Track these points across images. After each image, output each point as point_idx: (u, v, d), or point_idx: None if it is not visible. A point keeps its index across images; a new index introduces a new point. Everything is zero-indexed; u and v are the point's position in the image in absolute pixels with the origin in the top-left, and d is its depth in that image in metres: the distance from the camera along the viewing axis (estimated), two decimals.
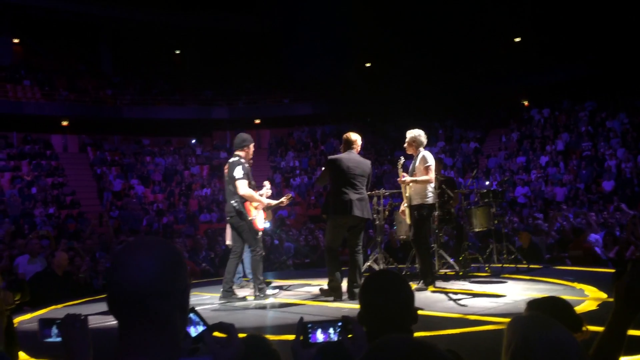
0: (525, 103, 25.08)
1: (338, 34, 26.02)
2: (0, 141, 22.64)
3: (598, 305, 4.94)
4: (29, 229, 15.78)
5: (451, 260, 7.51)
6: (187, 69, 29.94)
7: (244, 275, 7.84)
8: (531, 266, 7.84)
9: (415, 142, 6.71)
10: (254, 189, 6.55)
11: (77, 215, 19.04)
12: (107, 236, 15.38)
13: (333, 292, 6.08)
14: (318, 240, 12.01)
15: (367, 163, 6.28)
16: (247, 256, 7.12)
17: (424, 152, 6.64)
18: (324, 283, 6.39)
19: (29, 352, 4.05)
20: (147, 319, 1.27)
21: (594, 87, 22.02)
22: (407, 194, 6.61)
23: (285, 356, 1.98)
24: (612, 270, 6.30)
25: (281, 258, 11.45)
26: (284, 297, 6.54)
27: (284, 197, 7.61)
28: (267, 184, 7.59)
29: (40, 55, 27.79)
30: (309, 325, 1.74)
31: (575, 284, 6.22)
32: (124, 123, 25.49)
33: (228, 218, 6.56)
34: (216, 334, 1.50)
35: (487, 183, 18.07)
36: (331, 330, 1.74)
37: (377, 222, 8.08)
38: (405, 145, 6.83)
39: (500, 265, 8.01)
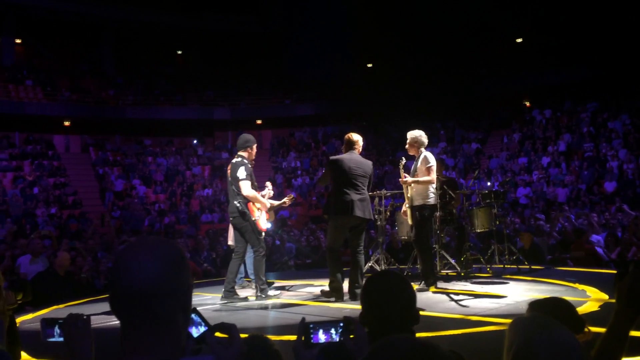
0: (527, 104, 25.06)
1: (340, 34, 26.00)
2: (2, 141, 22.68)
3: (600, 307, 4.93)
4: (31, 229, 15.80)
5: (453, 261, 7.50)
6: (189, 69, 29.96)
7: (246, 276, 7.84)
8: (533, 267, 7.83)
9: (417, 143, 6.71)
10: (256, 190, 6.55)
11: (79, 216, 19.06)
12: (109, 236, 15.38)
13: (334, 293, 6.08)
14: (319, 240, 12.02)
15: (369, 164, 6.28)
16: (249, 257, 7.12)
17: (425, 153, 6.64)
18: (325, 284, 6.39)
19: (31, 352, 4.05)
20: (149, 319, 1.27)
21: (596, 88, 21.99)
22: (408, 195, 6.61)
23: (287, 356, 1.98)
24: (614, 272, 6.31)
25: (282, 258, 11.45)
26: (285, 298, 6.53)
27: (286, 198, 7.61)
28: (269, 184, 7.58)
29: (43, 56, 27.84)
30: (311, 326, 1.74)
31: (577, 285, 6.21)
32: (126, 123, 25.53)
33: (231, 219, 6.56)
34: (218, 334, 1.50)
35: (489, 184, 18.06)
36: (333, 331, 1.74)
37: (379, 223, 8.08)
38: (407, 146, 6.83)
39: (501, 266, 8.00)
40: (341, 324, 1.75)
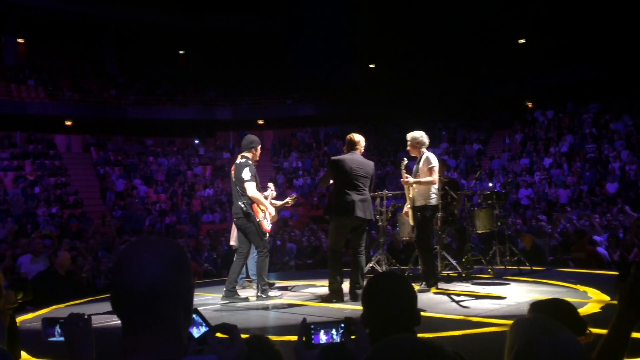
0: (529, 105, 25.05)
1: (342, 35, 26.01)
2: (4, 141, 22.72)
3: (601, 308, 4.92)
4: (31, 229, 15.81)
5: (454, 262, 7.50)
6: (191, 69, 29.99)
7: (247, 276, 7.84)
8: (534, 268, 7.82)
9: (418, 144, 6.70)
10: (259, 191, 6.55)
11: (80, 215, 19.08)
12: (109, 236, 15.39)
13: (334, 294, 6.07)
14: (320, 241, 12.01)
15: (370, 164, 6.27)
16: (251, 257, 7.12)
17: (427, 154, 6.63)
18: (326, 284, 6.39)
19: (31, 352, 4.06)
20: (151, 319, 1.27)
21: (598, 89, 21.98)
22: (410, 195, 6.60)
23: (288, 357, 1.98)
24: (616, 273, 6.30)
25: (283, 259, 11.45)
26: (286, 298, 6.53)
27: (289, 198, 7.61)
28: (271, 185, 7.58)
29: (45, 56, 27.87)
30: (312, 326, 1.74)
31: (578, 286, 6.20)
32: (128, 123, 25.55)
33: (235, 219, 6.55)
34: (218, 334, 1.50)
35: (491, 185, 18.05)
36: (334, 332, 1.74)
37: (380, 223, 8.08)
38: (408, 147, 6.82)
39: (503, 267, 7.99)
40: (342, 325, 1.75)
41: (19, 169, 21.28)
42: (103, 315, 5.03)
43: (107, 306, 1.44)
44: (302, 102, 27.88)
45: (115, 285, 1.31)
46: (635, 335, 1.73)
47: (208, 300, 6.55)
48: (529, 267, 7.80)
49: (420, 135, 6.74)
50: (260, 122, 27.57)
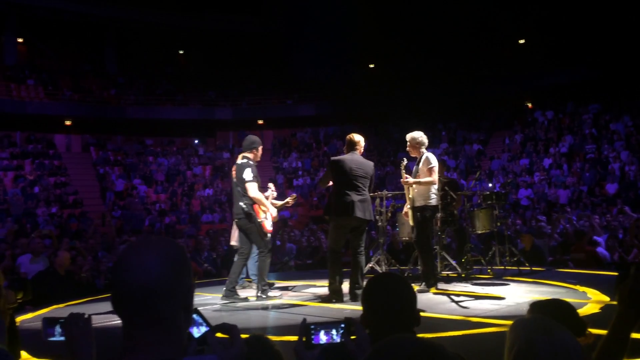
0: (529, 105, 25.06)
1: (342, 35, 26.00)
2: (3, 140, 22.72)
3: (601, 308, 4.92)
4: (31, 228, 15.81)
5: (453, 262, 7.50)
6: (191, 69, 30.00)
7: (247, 276, 7.84)
8: (533, 269, 7.82)
9: (417, 144, 6.70)
10: (260, 191, 6.55)
11: (80, 215, 19.08)
12: (109, 236, 15.39)
13: (333, 295, 6.08)
14: (320, 241, 12.00)
15: (370, 164, 6.27)
16: (251, 257, 7.12)
17: (427, 154, 6.63)
18: (327, 285, 6.39)
19: (31, 351, 4.06)
20: (151, 318, 1.27)
21: (598, 89, 21.99)
22: (410, 196, 6.60)
23: (288, 357, 1.98)
24: (615, 274, 6.30)
25: (283, 259, 11.45)
26: (286, 298, 6.53)
27: (289, 198, 7.61)
28: (271, 186, 7.58)
29: (45, 55, 27.88)
30: (312, 327, 1.74)
31: (578, 287, 6.20)
32: (128, 123, 25.56)
33: (236, 220, 6.55)
34: (219, 334, 1.50)
35: (490, 185, 18.06)
36: (334, 332, 1.74)
37: (380, 224, 8.08)
38: (408, 148, 6.82)
39: (502, 267, 7.99)
40: (342, 325, 1.75)
41: (19, 168, 21.29)
42: (103, 315, 5.03)
43: (107, 306, 1.44)
44: (302, 102, 27.88)
45: (115, 285, 1.31)
46: (635, 335, 1.73)
47: (208, 300, 6.55)
48: (529, 268, 7.80)
49: (419, 135, 6.74)
50: (260, 122, 27.57)
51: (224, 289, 6.34)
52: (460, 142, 24.14)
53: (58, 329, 1.76)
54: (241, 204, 6.33)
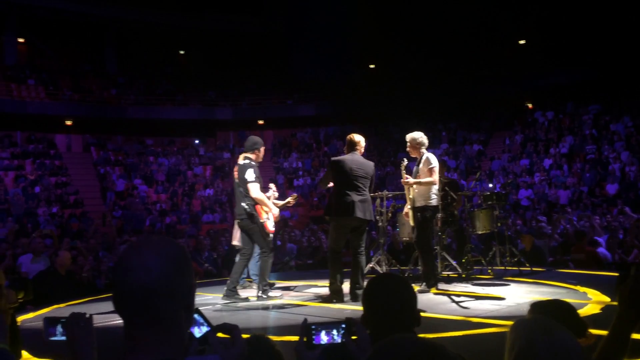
0: (529, 106, 25.05)
1: (342, 35, 26.02)
2: (4, 140, 22.73)
3: (601, 309, 4.92)
4: (32, 228, 15.83)
5: (454, 263, 7.50)
6: (191, 69, 30.00)
7: (248, 276, 7.85)
8: (534, 269, 7.81)
9: (417, 144, 6.69)
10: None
11: (80, 215, 19.09)
12: (110, 236, 15.40)
13: (334, 295, 6.08)
14: (321, 241, 12.00)
15: (371, 165, 6.27)
16: (252, 258, 7.12)
17: (427, 154, 6.63)
18: (327, 285, 6.39)
19: (32, 351, 4.06)
20: (152, 318, 1.27)
21: (598, 90, 21.98)
22: (410, 196, 6.60)
23: (289, 357, 1.99)
24: (616, 274, 6.29)
25: (284, 259, 11.45)
26: (287, 299, 6.53)
27: (290, 197, 7.61)
28: (272, 186, 7.58)
29: (45, 55, 27.89)
30: (313, 327, 1.74)
31: (578, 287, 6.20)
32: (128, 123, 25.57)
33: (238, 220, 6.55)
34: (220, 334, 1.50)
35: (491, 185, 18.06)
36: (335, 332, 1.75)
37: (380, 224, 8.07)
38: (408, 148, 6.82)
39: (502, 267, 7.99)
40: (343, 325, 1.75)
41: (20, 168, 21.30)
42: (104, 315, 5.03)
43: (108, 306, 1.44)
44: (302, 102, 27.88)
45: (116, 285, 1.31)
46: (635, 336, 1.73)
47: (209, 300, 6.55)
48: (529, 268, 7.80)
49: (419, 135, 6.74)
50: (261, 122, 27.57)
51: (225, 289, 6.34)
52: (461, 142, 24.14)
53: (59, 328, 1.77)
54: (244, 204, 6.33)
